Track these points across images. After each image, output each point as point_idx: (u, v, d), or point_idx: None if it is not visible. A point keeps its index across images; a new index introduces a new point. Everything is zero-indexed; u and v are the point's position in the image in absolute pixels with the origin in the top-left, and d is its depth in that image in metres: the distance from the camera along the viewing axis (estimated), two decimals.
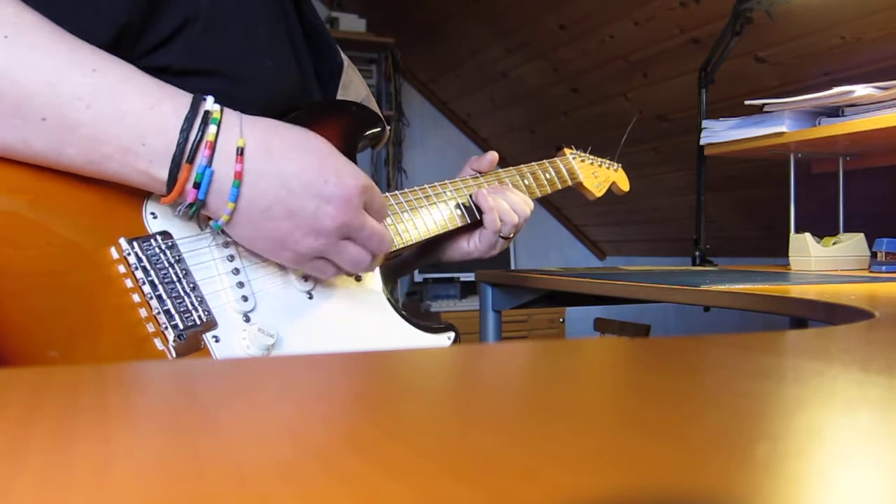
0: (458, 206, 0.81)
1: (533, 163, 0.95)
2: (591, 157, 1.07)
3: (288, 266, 0.58)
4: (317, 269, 0.58)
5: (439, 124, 3.70)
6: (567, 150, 1.03)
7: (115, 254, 0.52)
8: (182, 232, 0.56)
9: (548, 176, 0.95)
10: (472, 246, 0.85)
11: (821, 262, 1.29)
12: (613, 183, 1.11)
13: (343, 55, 0.83)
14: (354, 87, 0.83)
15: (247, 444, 0.17)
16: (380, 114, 0.76)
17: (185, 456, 0.17)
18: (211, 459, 0.16)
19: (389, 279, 0.68)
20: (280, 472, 0.15)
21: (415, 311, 3.26)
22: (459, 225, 0.81)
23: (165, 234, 0.55)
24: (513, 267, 3.58)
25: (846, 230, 1.46)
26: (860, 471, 0.15)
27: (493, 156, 0.87)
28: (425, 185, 0.79)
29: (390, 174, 3.38)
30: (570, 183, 1.00)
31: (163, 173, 0.50)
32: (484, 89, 3.29)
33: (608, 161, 1.11)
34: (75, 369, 0.28)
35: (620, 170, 1.14)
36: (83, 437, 0.18)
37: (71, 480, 0.15)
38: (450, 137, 3.72)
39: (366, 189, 0.57)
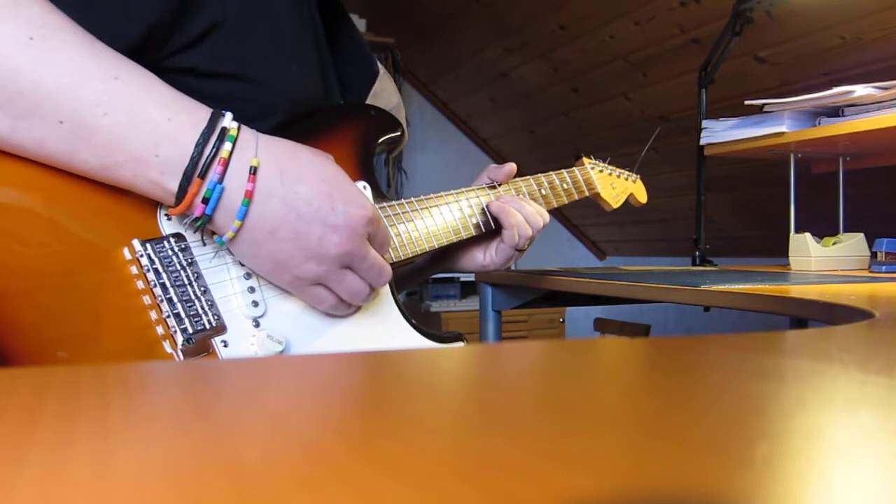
0: (473, 215, 0.79)
1: (550, 172, 0.93)
2: (610, 167, 1.04)
3: (287, 289, 0.57)
4: (315, 297, 0.57)
5: (439, 124, 3.70)
6: (586, 160, 1.00)
7: (127, 255, 0.52)
8: (196, 235, 0.55)
9: (565, 186, 0.93)
10: (488, 259, 0.84)
11: (821, 262, 1.29)
12: (631, 194, 1.09)
13: (380, 65, 0.82)
14: (386, 95, 0.82)
15: (247, 445, 0.17)
16: (402, 120, 0.75)
17: (186, 456, 0.17)
18: (211, 460, 0.16)
19: (402, 286, 0.67)
20: (281, 472, 0.15)
21: (415, 311, 3.25)
22: (474, 234, 0.79)
23: (179, 237, 0.55)
24: (513, 267, 3.57)
25: (846, 230, 1.46)
26: (860, 471, 0.15)
27: (511, 167, 0.85)
28: (441, 193, 0.78)
29: (390, 174, 3.38)
30: (587, 193, 0.98)
31: (173, 185, 0.50)
32: (484, 89, 3.29)
33: (627, 172, 1.09)
34: (76, 369, 0.28)
35: (639, 181, 1.12)
36: (84, 437, 0.18)
37: (72, 480, 0.15)
38: (450, 137, 3.72)
39: (372, 221, 0.56)
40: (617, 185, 1.05)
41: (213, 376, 0.28)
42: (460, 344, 0.69)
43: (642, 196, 1.12)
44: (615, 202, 1.05)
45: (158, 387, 0.27)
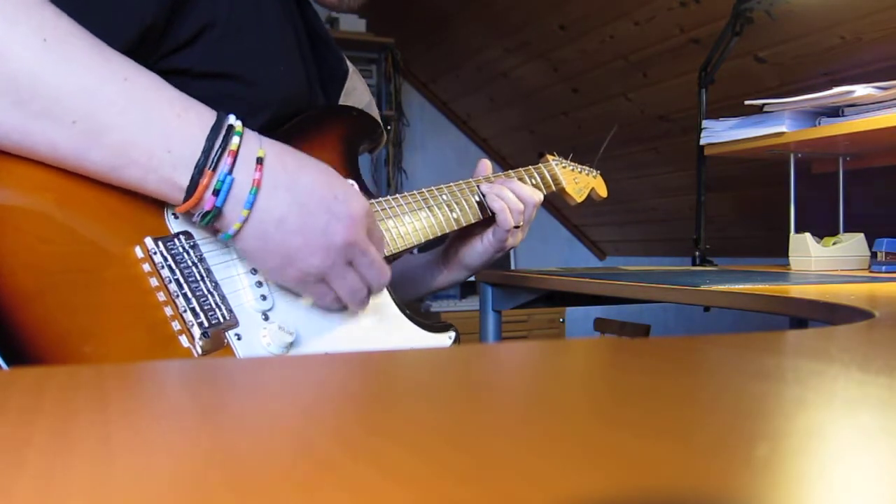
0: (462, 207, 0.83)
1: (520, 168, 0.97)
2: (572, 163, 1.10)
3: (291, 287, 0.59)
4: (318, 293, 0.58)
5: (439, 124, 3.69)
6: (549, 157, 1.05)
7: (139, 253, 0.53)
8: (203, 232, 0.57)
9: (534, 181, 0.97)
10: (486, 242, 0.86)
11: (821, 262, 1.29)
12: (593, 189, 1.14)
13: (348, 62, 0.84)
14: (358, 94, 0.84)
15: (247, 446, 0.17)
16: (379, 120, 0.78)
17: (185, 457, 0.17)
18: (210, 460, 0.16)
19: (408, 292, 0.69)
20: (281, 473, 0.15)
21: (415, 310, 3.25)
22: (472, 221, 0.82)
23: (187, 235, 0.56)
24: (513, 267, 3.58)
25: (846, 230, 1.46)
26: (860, 471, 0.15)
27: (485, 164, 0.89)
28: (431, 188, 0.80)
29: (390, 174, 3.38)
30: (553, 188, 1.02)
31: (184, 180, 0.51)
32: (484, 89, 3.29)
33: (588, 168, 1.14)
34: (75, 369, 0.28)
35: (599, 176, 1.17)
36: (83, 438, 0.18)
37: (71, 480, 0.15)
38: (450, 138, 3.71)
39: (369, 213, 0.59)
40: (580, 180, 1.10)
41: (213, 377, 0.28)
42: (452, 333, 0.72)
43: (603, 190, 1.17)
44: (579, 196, 1.09)
45: (158, 388, 0.27)
